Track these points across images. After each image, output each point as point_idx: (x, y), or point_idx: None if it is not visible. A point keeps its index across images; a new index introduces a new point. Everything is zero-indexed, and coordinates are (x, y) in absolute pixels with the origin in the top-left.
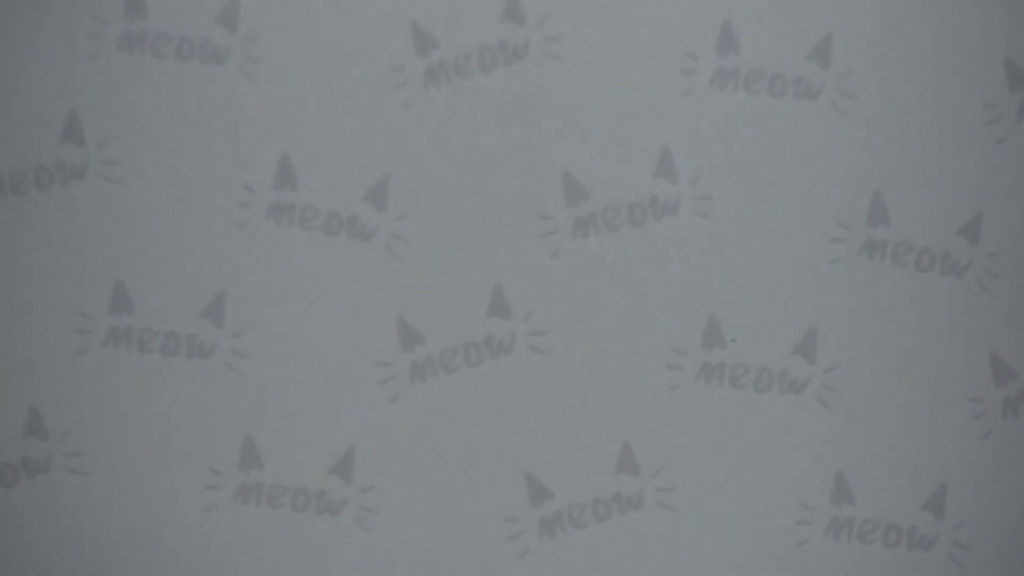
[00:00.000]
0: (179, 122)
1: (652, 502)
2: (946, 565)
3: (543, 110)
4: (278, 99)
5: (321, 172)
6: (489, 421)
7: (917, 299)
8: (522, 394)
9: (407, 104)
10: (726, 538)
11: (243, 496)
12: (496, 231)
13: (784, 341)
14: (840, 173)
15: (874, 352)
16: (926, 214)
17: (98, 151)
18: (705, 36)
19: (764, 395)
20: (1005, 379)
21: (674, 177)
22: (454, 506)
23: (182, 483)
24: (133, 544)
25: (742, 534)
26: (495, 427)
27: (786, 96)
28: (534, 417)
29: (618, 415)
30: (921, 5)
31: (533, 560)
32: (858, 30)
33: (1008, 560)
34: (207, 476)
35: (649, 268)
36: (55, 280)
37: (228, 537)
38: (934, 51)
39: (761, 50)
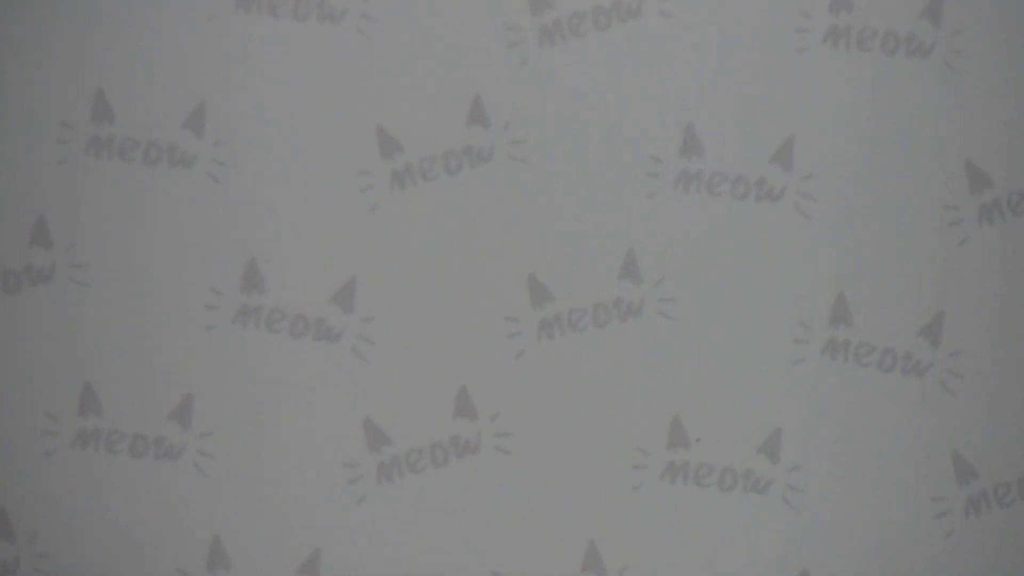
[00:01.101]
0: (147, 226)
1: None
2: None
3: (508, 212)
4: (245, 203)
5: (288, 275)
6: (456, 521)
7: (879, 399)
8: (488, 494)
9: (374, 207)
10: None
11: None
12: (462, 333)
13: (748, 441)
14: (803, 274)
15: (837, 451)
16: (888, 314)
17: (66, 254)
18: (669, 139)
19: (728, 494)
20: (968, 477)
21: (638, 279)
22: None
23: None
24: None
25: None
26: (462, 527)
27: (748, 198)
28: (501, 516)
29: (583, 514)
30: (881, 108)
31: None
32: (820, 133)
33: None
34: None
35: (614, 369)
36: (23, 381)
37: None
38: (895, 153)
39: (724, 153)
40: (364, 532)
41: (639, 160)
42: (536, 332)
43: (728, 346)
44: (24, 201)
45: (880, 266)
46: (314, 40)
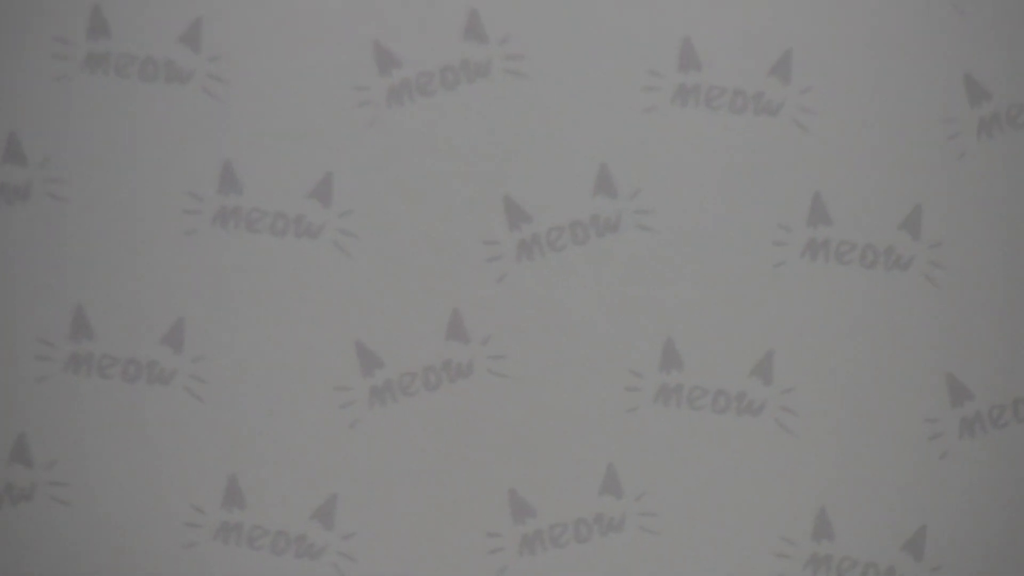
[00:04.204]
0: (126, 444)
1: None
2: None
3: (488, 428)
4: (225, 420)
5: (269, 492)
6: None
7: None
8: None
9: (353, 423)
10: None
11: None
12: (443, 546)
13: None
14: (784, 489)
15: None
16: (869, 530)
17: (47, 472)
18: (650, 354)
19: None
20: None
21: (619, 493)
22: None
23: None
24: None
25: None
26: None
27: (729, 411)
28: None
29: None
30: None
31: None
32: (799, 347)
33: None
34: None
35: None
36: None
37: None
38: (874, 367)
39: (704, 365)
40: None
41: (619, 373)
42: (518, 549)
43: (711, 559)
44: (3, 420)
45: (861, 479)
46: (292, 255)
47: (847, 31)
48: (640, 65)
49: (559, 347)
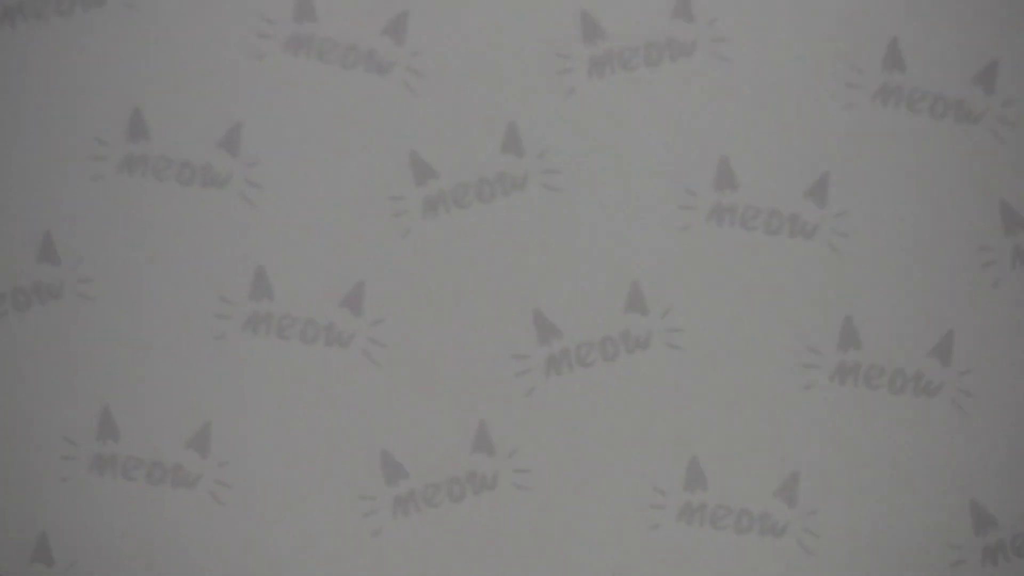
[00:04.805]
0: (147, 547)
1: None
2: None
3: (511, 541)
4: (248, 526)
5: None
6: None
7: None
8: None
9: (376, 532)
10: None
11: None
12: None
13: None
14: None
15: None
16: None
17: (66, 574)
18: (672, 470)
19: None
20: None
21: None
22: None
23: None
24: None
25: None
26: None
27: (752, 532)
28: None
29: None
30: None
31: None
32: (825, 469)
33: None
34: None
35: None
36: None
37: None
38: (898, 492)
39: (728, 484)
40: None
41: (643, 490)
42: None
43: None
44: (29, 518)
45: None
46: (322, 362)
47: (884, 156)
48: (676, 182)
49: (585, 462)
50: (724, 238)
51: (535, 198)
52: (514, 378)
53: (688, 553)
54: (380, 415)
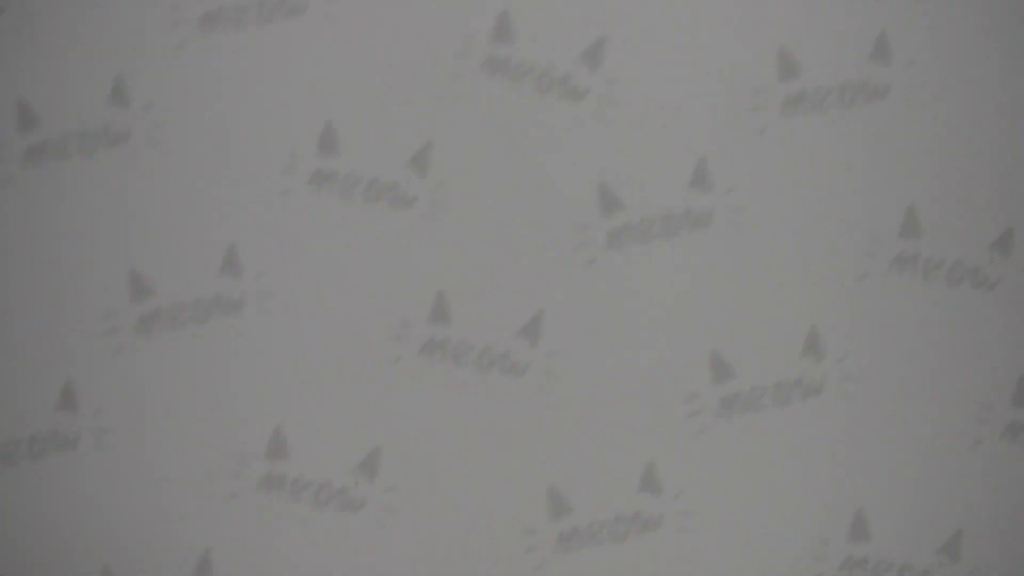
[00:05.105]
0: (310, 571)
1: None
2: None
3: None
4: (414, 550)
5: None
6: None
7: None
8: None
9: (537, 566)
10: None
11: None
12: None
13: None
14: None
15: None
16: None
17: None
18: (837, 524)
19: None
20: None
21: None
22: None
23: None
24: None
25: None
26: None
27: None
28: None
29: None
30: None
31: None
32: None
33: None
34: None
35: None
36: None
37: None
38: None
39: (890, 539)
40: None
41: (807, 542)
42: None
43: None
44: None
45: None
46: (496, 392)
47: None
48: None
49: (750, 507)
50: (904, 288)
51: (721, 234)
52: (686, 419)
53: None
54: (549, 448)
